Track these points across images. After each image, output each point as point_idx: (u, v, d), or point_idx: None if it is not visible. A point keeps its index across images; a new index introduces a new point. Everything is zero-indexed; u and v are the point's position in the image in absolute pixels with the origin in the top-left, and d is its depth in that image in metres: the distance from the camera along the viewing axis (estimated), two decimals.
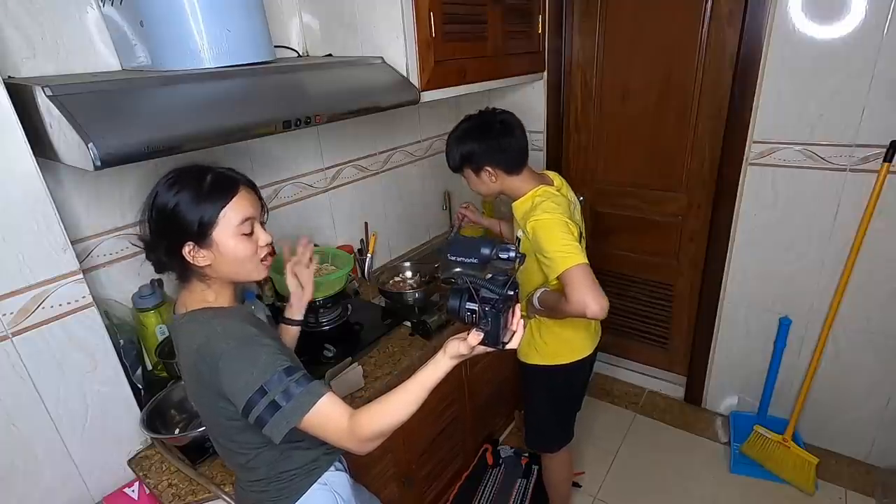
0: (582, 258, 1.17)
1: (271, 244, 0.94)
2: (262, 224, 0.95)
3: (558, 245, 1.20)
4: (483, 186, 1.41)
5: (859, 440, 2.02)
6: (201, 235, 0.86)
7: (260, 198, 0.95)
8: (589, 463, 2.14)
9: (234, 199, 0.87)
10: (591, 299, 1.13)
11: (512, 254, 0.93)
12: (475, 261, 0.96)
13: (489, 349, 0.86)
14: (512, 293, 0.85)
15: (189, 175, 0.87)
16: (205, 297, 0.92)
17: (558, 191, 1.39)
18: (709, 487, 2.00)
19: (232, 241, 0.88)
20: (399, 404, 0.86)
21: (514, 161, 1.37)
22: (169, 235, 0.87)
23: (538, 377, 1.54)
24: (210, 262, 0.88)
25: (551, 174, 1.46)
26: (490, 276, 0.87)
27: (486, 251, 0.95)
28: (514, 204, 1.40)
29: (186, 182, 0.86)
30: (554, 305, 1.28)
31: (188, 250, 0.87)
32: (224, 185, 0.88)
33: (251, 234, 0.90)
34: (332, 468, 1.05)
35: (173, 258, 0.89)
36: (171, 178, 0.87)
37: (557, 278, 1.20)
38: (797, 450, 1.94)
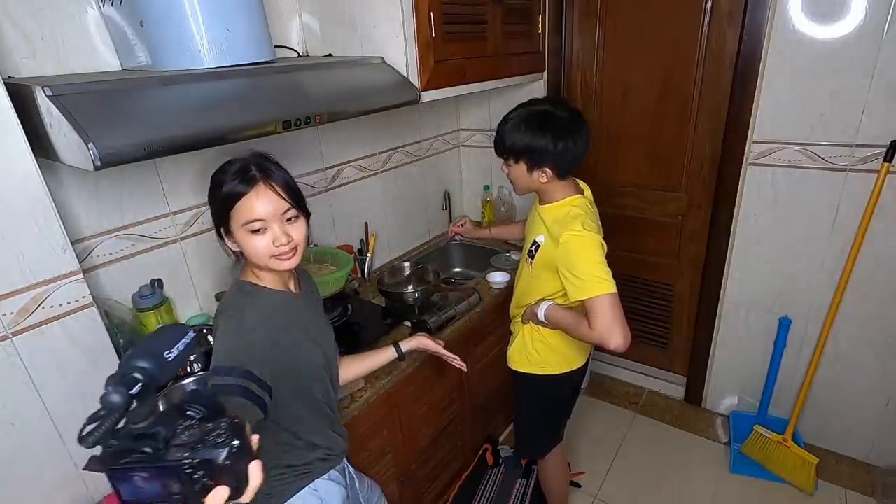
0: (614, 287, 1.15)
1: (289, 244, 0.90)
2: (297, 220, 0.92)
3: (594, 268, 1.16)
4: (526, 182, 1.32)
5: (859, 440, 2.02)
6: (222, 224, 0.91)
7: (285, 196, 0.90)
8: (589, 463, 2.14)
9: (244, 199, 0.87)
10: (617, 332, 1.13)
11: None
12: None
13: None
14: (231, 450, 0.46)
15: (226, 164, 0.91)
16: (249, 274, 0.97)
17: (591, 202, 1.36)
18: (709, 487, 2.01)
19: (241, 235, 0.90)
20: None
21: (571, 167, 1.29)
22: (213, 216, 0.94)
23: (527, 385, 1.54)
24: (238, 248, 0.92)
25: (581, 182, 1.42)
26: (210, 426, 0.47)
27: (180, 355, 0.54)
28: (545, 206, 1.34)
29: (220, 171, 0.91)
30: (567, 324, 1.27)
31: (223, 233, 0.93)
32: (240, 181, 0.88)
33: (262, 231, 0.89)
34: (325, 476, 1.03)
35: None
36: (221, 165, 0.93)
37: (582, 301, 1.17)
38: (797, 450, 1.93)
